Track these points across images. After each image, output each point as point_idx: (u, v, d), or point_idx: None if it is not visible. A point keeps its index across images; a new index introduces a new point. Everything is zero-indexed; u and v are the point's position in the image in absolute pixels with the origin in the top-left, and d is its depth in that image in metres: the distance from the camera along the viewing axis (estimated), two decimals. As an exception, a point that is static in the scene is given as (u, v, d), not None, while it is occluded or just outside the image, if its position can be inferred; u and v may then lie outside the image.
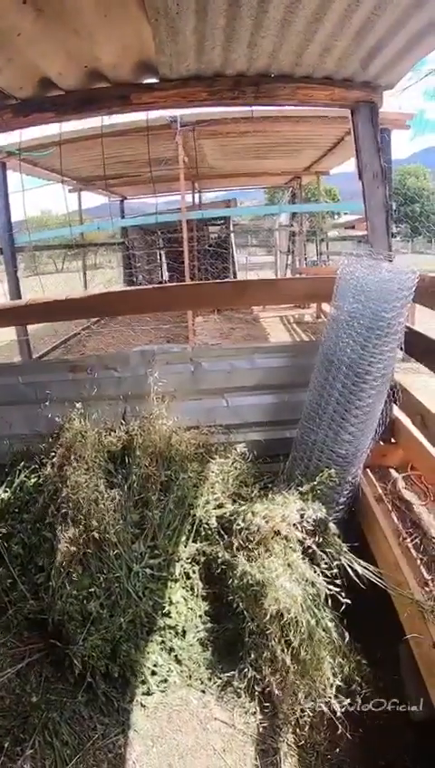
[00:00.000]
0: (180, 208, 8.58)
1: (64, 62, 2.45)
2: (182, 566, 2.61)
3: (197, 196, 12.24)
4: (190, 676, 2.34)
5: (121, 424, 2.97)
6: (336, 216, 22.32)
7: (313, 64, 2.62)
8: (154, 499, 2.66)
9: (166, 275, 13.96)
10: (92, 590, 2.38)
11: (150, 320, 8.46)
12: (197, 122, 6.89)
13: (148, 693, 2.27)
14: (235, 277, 12.28)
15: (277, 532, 2.34)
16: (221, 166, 10.23)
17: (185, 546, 2.66)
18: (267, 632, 2.15)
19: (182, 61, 2.53)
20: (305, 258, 13.20)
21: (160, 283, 12.83)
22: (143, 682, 2.29)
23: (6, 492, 2.97)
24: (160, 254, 14.22)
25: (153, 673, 2.32)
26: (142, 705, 2.23)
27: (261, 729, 2.14)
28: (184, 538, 2.67)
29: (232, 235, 13.36)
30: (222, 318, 9.81)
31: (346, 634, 2.21)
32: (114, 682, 2.28)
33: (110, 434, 2.89)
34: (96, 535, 2.43)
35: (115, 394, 3.08)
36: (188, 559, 2.63)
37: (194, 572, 2.61)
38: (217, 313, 10.08)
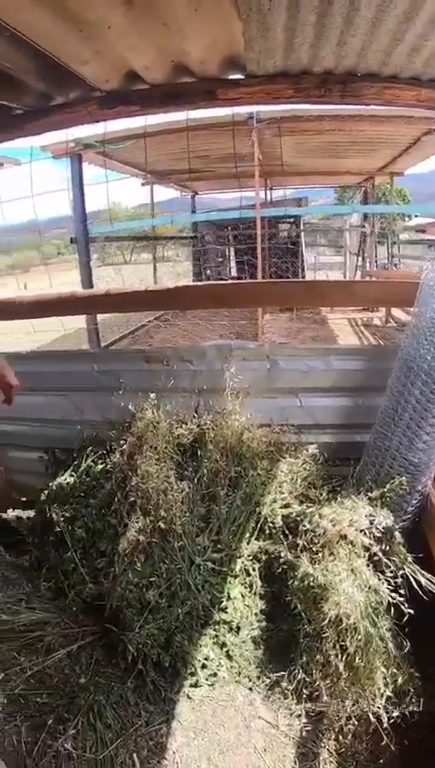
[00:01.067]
0: (254, 205, 8.55)
1: (152, 56, 2.46)
2: (243, 563, 2.59)
3: (268, 193, 12.21)
4: (239, 673, 2.33)
5: (194, 417, 2.98)
6: (407, 219, 21.84)
7: (400, 64, 2.55)
8: (222, 494, 2.66)
9: (234, 271, 13.98)
10: (153, 579, 2.39)
11: (218, 315, 8.46)
12: (273, 119, 6.85)
13: (195, 685, 2.28)
14: (303, 276, 12.19)
15: (344, 537, 2.28)
16: (295, 163, 10.15)
17: (248, 543, 2.64)
18: (323, 636, 2.10)
19: (270, 57, 2.50)
20: (376, 260, 12.97)
21: (227, 279, 12.83)
22: (192, 674, 2.30)
23: (72, 476, 3.03)
24: (229, 250, 14.23)
25: (203, 666, 2.33)
26: (189, 697, 2.25)
27: (304, 733, 2.11)
28: (248, 535, 2.65)
29: (302, 233, 13.26)
30: (290, 316, 9.75)
31: (405, 644, 2.16)
32: (164, 672, 2.30)
33: (181, 426, 2.90)
34: (162, 525, 2.45)
35: (189, 387, 3.08)
36: (249, 556, 2.61)
37: (254, 570, 2.59)
38: (286, 312, 10.05)
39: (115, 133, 6.91)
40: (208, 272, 13.76)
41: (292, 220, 13.24)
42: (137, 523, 2.46)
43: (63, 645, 2.42)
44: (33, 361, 3.54)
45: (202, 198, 14.41)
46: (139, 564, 2.42)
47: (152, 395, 2.93)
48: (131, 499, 2.56)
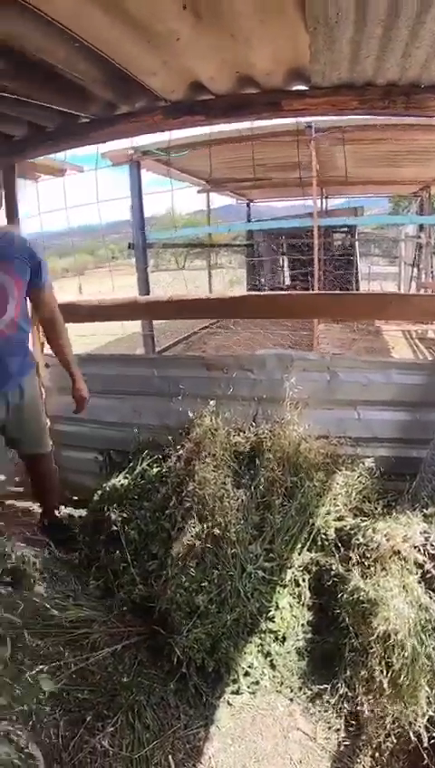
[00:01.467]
0: (310, 214, 8.52)
1: (218, 67, 2.48)
2: (294, 573, 2.58)
3: (324, 202, 12.14)
4: (281, 683, 2.31)
5: (252, 425, 2.98)
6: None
7: (464, 76, 2.53)
8: (277, 503, 2.66)
9: (288, 280, 13.95)
10: (204, 584, 2.40)
11: (272, 323, 8.43)
12: (331, 129, 6.82)
13: (237, 692, 2.27)
14: (357, 287, 12.05)
15: (397, 552, 2.25)
16: (351, 172, 10.08)
17: (299, 554, 2.63)
18: (369, 651, 2.08)
19: (335, 69, 2.49)
20: (432, 272, 12.73)
21: (281, 288, 12.80)
22: (235, 681, 2.29)
23: (127, 478, 3.08)
24: (283, 259, 14.20)
25: (246, 674, 2.31)
26: (229, 704, 2.24)
27: (341, 747, 2.08)
28: (300, 545, 2.64)
29: (356, 243, 13.13)
30: (344, 327, 9.66)
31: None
32: (207, 677, 2.29)
33: (239, 434, 2.92)
34: (217, 532, 2.45)
35: (248, 395, 3.09)
36: (300, 566, 2.60)
37: (304, 581, 2.57)
38: (340, 322, 9.91)
39: (173, 141, 6.99)
40: (262, 280, 13.77)
41: (346, 230, 13.14)
42: (194, 528, 2.48)
43: (109, 643, 2.43)
44: (94, 364, 3.60)
45: (257, 206, 14.42)
46: (191, 569, 2.43)
47: (211, 402, 2.95)
48: (187, 504, 2.58)
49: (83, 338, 5.78)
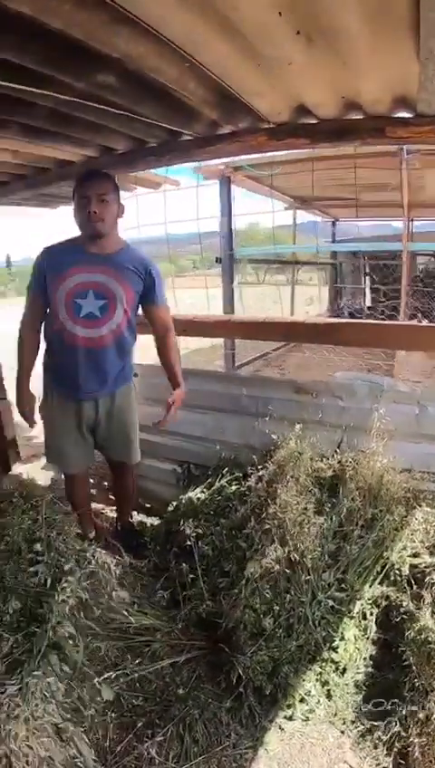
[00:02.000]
0: (396, 236, 8.38)
1: (325, 92, 2.47)
2: (362, 605, 2.54)
3: (410, 224, 11.89)
4: (335, 714, 2.27)
5: (336, 452, 2.97)
6: None
7: None
8: (355, 534, 2.63)
9: (368, 302, 13.75)
10: (275, 607, 2.40)
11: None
12: (421, 150, 6.68)
13: (290, 718, 2.25)
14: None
15: (471, 597, 2.17)
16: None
17: (371, 586, 2.60)
18: (429, 692, 2.04)
19: (442, 99, 2.46)
20: None
21: (363, 309, 12.59)
22: (289, 706, 2.27)
23: (204, 492, 3.11)
24: (365, 279, 14.00)
25: (302, 700, 2.29)
26: (280, 728, 2.22)
27: None
28: (372, 578, 2.61)
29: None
30: (426, 354, 9.38)
31: None
32: (263, 698, 2.29)
33: (323, 460, 2.91)
34: (294, 557, 2.46)
35: (335, 422, 3.07)
36: (370, 599, 2.56)
37: (371, 614, 2.53)
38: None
39: (263, 158, 7.02)
40: (344, 300, 13.62)
41: (432, 252, 12.83)
42: (275, 552, 2.48)
43: (169, 654, 2.48)
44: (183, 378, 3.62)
45: (341, 225, 14.27)
46: (263, 591, 2.43)
47: (298, 426, 2.96)
48: (267, 526, 2.58)
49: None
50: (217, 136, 2.89)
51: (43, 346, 2.99)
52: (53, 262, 2.83)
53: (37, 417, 3.03)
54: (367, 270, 13.94)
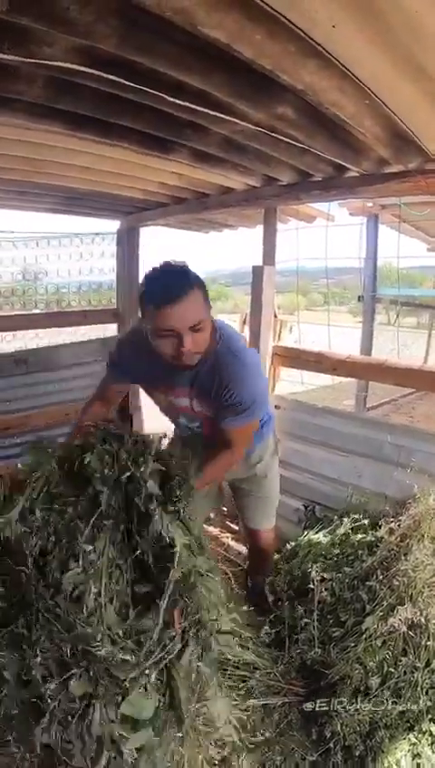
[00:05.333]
0: None
1: None
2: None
3: None
4: None
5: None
6: None
7: None
8: None
9: None
10: (386, 668, 2.27)
11: None
12: None
13: None
14: None
15: None
16: None
17: None
18: None
19: None
20: None
21: None
22: None
23: (326, 537, 3.00)
24: None
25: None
26: None
27: None
28: None
29: None
30: None
31: None
32: (351, 758, 2.15)
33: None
34: (419, 619, 2.31)
35: None
36: None
37: None
38: None
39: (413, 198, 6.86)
40: None
41: None
42: (405, 612, 2.33)
43: (264, 694, 2.39)
44: (327, 416, 3.58)
45: None
46: (378, 649, 2.31)
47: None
48: (395, 582, 2.44)
49: (289, 379, 5.84)
50: (385, 174, 2.84)
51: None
52: (140, 363, 2.30)
53: None
54: None
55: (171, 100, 1.96)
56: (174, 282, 1.91)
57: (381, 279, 8.72)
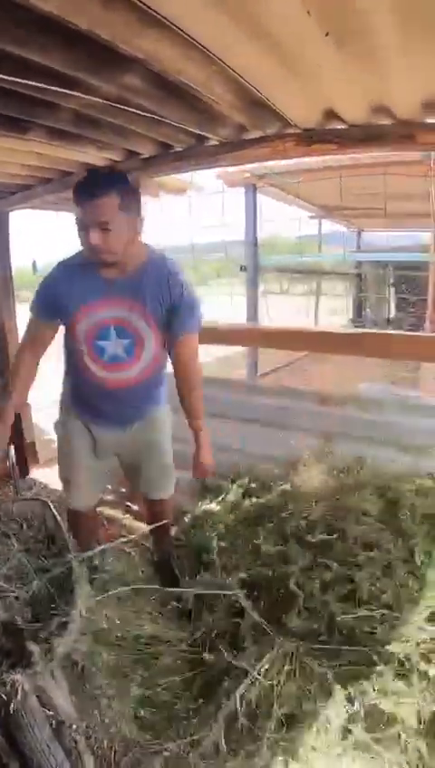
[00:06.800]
0: (422, 246, 8.33)
1: (355, 97, 2.39)
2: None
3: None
4: None
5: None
6: None
7: None
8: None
9: (393, 313, 13.67)
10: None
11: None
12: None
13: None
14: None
15: None
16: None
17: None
18: None
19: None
20: None
21: (388, 320, 12.55)
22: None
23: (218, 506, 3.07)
24: (389, 290, 13.95)
25: None
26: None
27: None
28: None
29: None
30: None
31: None
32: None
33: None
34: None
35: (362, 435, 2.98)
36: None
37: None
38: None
39: (287, 166, 6.98)
40: (368, 310, 13.57)
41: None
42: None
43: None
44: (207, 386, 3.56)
45: (366, 235, 14.23)
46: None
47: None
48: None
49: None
50: (245, 141, 2.84)
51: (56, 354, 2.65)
52: (68, 289, 2.38)
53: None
54: (392, 280, 13.87)
55: (11, 78, 1.88)
56: (92, 183, 2.19)
57: (269, 249, 8.85)
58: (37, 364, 2.55)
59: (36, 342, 2.53)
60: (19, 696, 1.69)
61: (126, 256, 2.29)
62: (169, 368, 2.61)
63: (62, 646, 1.84)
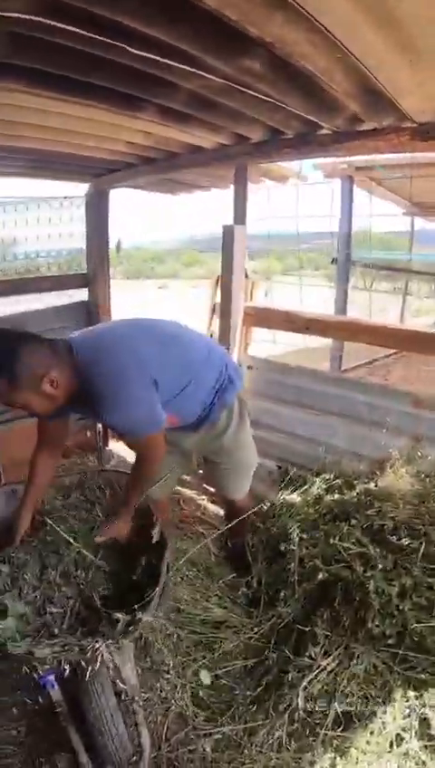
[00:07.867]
0: None
1: None
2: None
3: None
4: None
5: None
6: None
7: None
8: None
9: None
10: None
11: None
12: None
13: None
14: None
15: None
16: None
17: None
18: None
19: None
20: None
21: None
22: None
23: (300, 497, 3.04)
24: None
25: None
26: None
27: None
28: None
29: None
30: None
31: None
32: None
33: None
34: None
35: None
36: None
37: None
38: None
39: (388, 160, 6.78)
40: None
41: None
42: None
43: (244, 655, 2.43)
44: (296, 375, 3.61)
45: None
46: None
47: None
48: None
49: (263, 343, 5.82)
50: (359, 132, 2.80)
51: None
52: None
53: None
54: None
55: (135, 52, 1.90)
56: None
57: (356, 244, 8.66)
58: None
59: (49, 440, 2.39)
60: (97, 664, 1.72)
61: (66, 395, 2.03)
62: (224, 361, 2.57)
63: (145, 617, 1.85)
